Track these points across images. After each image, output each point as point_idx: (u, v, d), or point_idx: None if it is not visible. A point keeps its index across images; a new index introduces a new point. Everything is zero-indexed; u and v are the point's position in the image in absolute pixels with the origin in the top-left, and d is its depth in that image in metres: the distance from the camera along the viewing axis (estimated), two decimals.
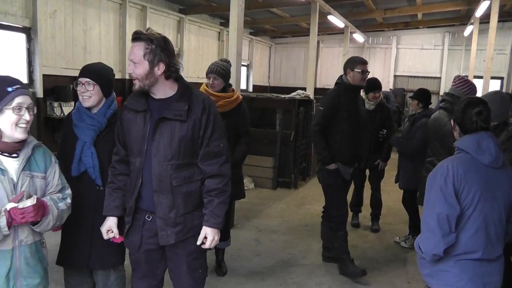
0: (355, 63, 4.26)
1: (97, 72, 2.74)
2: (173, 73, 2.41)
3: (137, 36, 2.33)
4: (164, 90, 2.43)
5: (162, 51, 2.33)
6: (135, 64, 2.34)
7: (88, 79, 2.66)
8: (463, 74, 14.03)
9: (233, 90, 4.22)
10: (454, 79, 4.41)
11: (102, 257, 2.76)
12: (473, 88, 4.24)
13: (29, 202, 2.00)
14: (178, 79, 2.49)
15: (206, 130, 2.43)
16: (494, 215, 2.33)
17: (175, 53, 2.50)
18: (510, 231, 2.43)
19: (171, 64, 2.38)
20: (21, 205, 1.99)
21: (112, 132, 2.69)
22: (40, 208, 2.06)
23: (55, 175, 2.28)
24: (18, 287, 2.12)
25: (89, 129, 2.67)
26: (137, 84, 2.38)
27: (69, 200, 2.33)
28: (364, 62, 4.32)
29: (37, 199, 2.06)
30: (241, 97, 4.27)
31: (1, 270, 2.06)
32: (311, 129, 4.42)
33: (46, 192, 2.24)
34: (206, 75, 4.08)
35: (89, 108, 2.70)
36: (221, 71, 4.02)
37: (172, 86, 2.45)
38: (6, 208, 1.97)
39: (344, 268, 4.37)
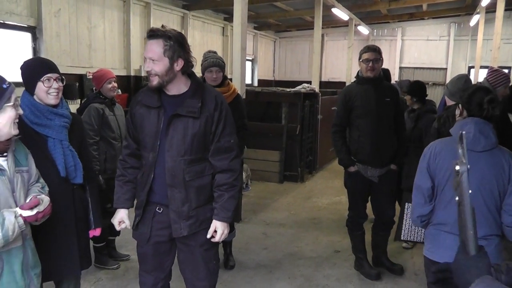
0: (360, 52, 4.01)
1: (57, 67, 2.64)
2: (189, 68, 2.45)
3: (154, 34, 2.32)
4: (179, 86, 2.45)
5: (180, 47, 2.35)
6: (154, 62, 2.33)
7: (58, 75, 2.56)
8: (470, 65, 13.94)
9: (228, 84, 4.16)
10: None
11: (87, 256, 2.83)
12: (499, 78, 4.09)
13: (46, 201, 2.09)
14: (191, 75, 2.51)
15: (218, 126, 2.46)
16: None
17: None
18: (504, 221, 2.41)
19: (188, 59, 2.41)
20: (42, 207, 2.06)
21: (75, 126, 2.68)
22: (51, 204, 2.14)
23: (32, 165, 2.28)
24: (30, 279, 2.19)
25: (63, 126, 2.57)
26: (155, 81, 2.36)
27: (47, 188, 2.35)
28: (368, 50, 3.96)
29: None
30: (237, 90, 4.24)
31: (16, 266, 2.11)
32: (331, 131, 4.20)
33: (29, 184, 2.24)
34: (206, 69, 3.98)
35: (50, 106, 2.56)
36: (221, 64, 4.01)
37: (186, 82, 2.47)
38: (21, 214, 2.01)
39: (360, 266, 4.33)
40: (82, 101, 4.50)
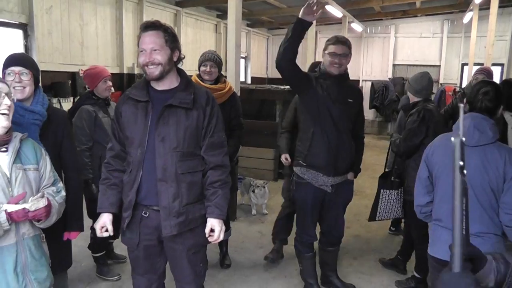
0: (327, 43, 3.36)
1: (28, 60, 2.56)
2: (180, 60, 2.50)
3: (153, 25, 2.37)
4: (171, 80, 2.46)
5: (175, 39, 2.42)
6: (156, 51, 2.34)
7: (22, 68, 2.47)
8: (463, 62, 13.96)
9: (224, 81, 4.14)
10: None
11: (62, 258, 2.75)
12: (478, 77, 4.33)
13: (41, 204, 1.99)
14: (180, 72, 2.53)
15: (211, 120, 2.46)
16: None
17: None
18: (502, 220, 2.37)
19: (180, 51, 2.48)
20: (33, 207, 1.97)
21: (53, 123, 2.57)
22: (49, 207, 2.06)
23: (47, 167, 2.22)
24: (28, 282, 2.09)
25: (34, 124, 2.45)
26: (157, 71, 2.36)
27: (63, 193, 2.30)
28: (336, 42, 3.31)
29: (47, 199, 2.05)
30: (233, 88, 4.22)
31: (8, 265, 2.02)
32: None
33: (41, 186, 2.19)
34: (201, 63, 4.00)
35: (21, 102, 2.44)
36: (217, 60, 4.00)
37: (177, 77, 2.50)
38: (6, 210, 1.93)
39: None
40: (75, 100, 4.33)
